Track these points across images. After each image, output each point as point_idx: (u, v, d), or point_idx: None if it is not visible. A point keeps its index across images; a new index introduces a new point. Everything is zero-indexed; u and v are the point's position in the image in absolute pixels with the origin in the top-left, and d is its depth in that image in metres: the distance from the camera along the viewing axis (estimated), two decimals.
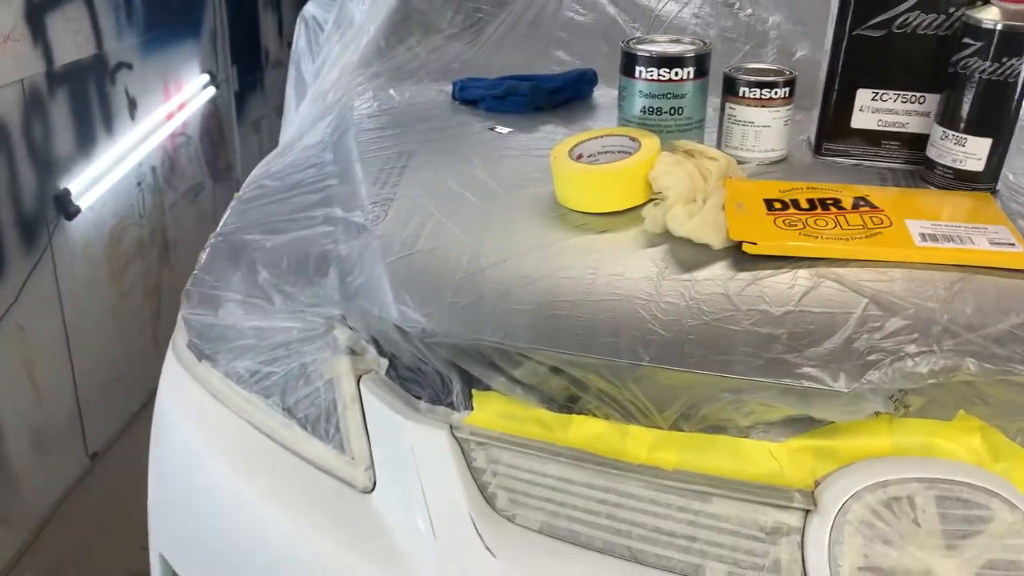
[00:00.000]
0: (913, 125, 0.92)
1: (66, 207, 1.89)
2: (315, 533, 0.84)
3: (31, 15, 1.76)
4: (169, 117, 2.43)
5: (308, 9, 1.90)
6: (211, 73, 2.71)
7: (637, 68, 0.92)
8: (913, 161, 0.94)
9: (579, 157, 0.90)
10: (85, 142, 2.00)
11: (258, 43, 3.14)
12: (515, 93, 1.17)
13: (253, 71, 3.10)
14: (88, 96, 2.02)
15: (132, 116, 2.23)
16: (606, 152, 0.91)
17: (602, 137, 0.91)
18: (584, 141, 0.91)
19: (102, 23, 2.06)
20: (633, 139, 0.89)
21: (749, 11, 1.39)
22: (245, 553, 0.88)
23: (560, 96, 1.19)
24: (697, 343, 0.72)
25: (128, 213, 2.21)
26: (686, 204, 0.81)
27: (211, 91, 2.70)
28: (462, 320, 0.78)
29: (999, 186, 0.90)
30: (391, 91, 1.30)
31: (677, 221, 0.80)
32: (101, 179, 2.03)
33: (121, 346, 2.15)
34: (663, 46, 0.93)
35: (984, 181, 0.88)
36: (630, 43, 0.94)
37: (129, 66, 2.22)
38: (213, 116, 2.77)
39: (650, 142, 0.88)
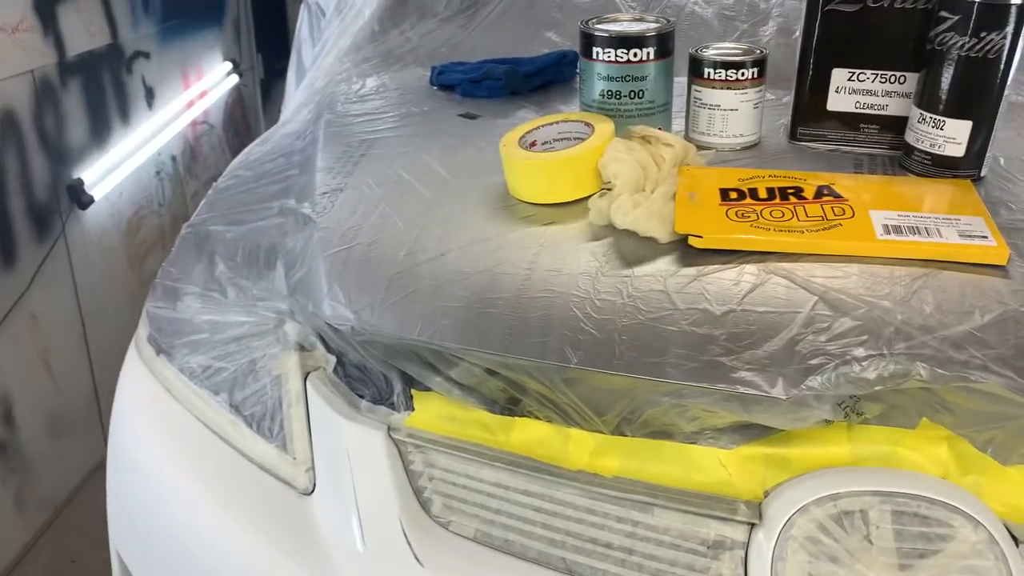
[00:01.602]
0: (893, 107, 0.85)
1: (79, 197, 1.91)
2: (255, 535, 0.82)
3: (41, 6, 1.77)
4: (190, 105, 2.44)
5: None
6: (234, 61, 2.72)
7: (595, 49, 0.87)
8: (893, 146, 0.87)
9: (532, 145, 0.86)
10: (99, 132, 2.02)
11: (285, 30, 3.13)
12: (491, 77, 1.13)
13: (280, 58, 3.09)
14: (102, 86, 2.03)
15: (150, 105, 2.25)
16: (562, 139, 0.86)
17: (558, 123, 0.87)
18: (539, 127, 0.87)
19: (116, 13, 2.07)
20: (588, 124, 0.85)
21: None
22: (189, 552, 0.86)
23: (538, 79, 1.14)
24: (629, 344, 0.68)
25: (147, 202, 2.23)
26: (634, 194, 0.77)
27: (234, 79, 2.71)
28: (392, 317, 0.74)
29: (985, 173, 0.82)
30: (372, 77, 1.27)
31: (621, 212, 0.75)
32: (116, 168, 2.05)
33: None
34: (623, 25, 0.88)
35: (965, 167, 0.81)
36: (589, 23, 0.89)
37: (146, 55, 2.23)
38: (238, 104, 2.78)
39: (603, 128, 0.83)
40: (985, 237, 0.70)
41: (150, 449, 0.92)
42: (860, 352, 0.64)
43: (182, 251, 1.03)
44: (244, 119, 2.83)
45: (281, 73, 3.11)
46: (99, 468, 2.00)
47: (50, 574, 1.74)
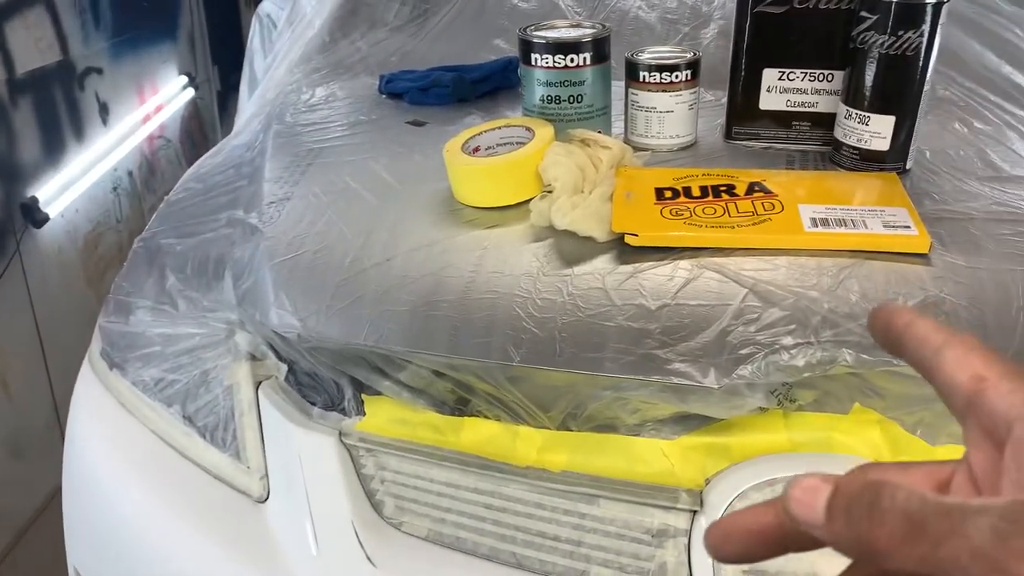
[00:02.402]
0: (823, 104, 0.88)
1: (33, 215, 1.90)
2: (211, 544, 0.82)
3: None
4: (145, 120, 2.43)
5: (264, 6, 1.89)
6: (190, 75, 2.71)
7: (533, 55, 0.89)
8: (824, 142, 0.90)
9: (475, 150, 0.87)
10: (53, 149, 2.00)
11: (240, 42, 3.12)
12: (439, 85, 1.14)
13: (236, 71, 3.08)
14: (54, 103, 2.02)
15: (104, 121, 2.23)
16: (504, 144, 0.88)
17: (500, 128, 0.89)
18: (482, 133, 0.89)
19: (66, 28, 2.05)
20: (529, 129, 0.87)
21: None
22: (147, 565, 0.86)
23: (486, 86, 1.16)
24: (569, 340, 0.70)
25: (104, 219, 2.22)
26: (573, 195, 0.79)
27: (190, 92, 2.70)
28: (339, 323, 0.75)
29: (910, 166, 0.86)
30: (322, 87, 1.28)
31: (560, 213, 0.77)
32: (72, 186, 2.04)
33: None
34: (561, 31, 0.90)
35: (891, 161, 0.84)
36: (527, 29, 0.91)
37: (99, 70, 2.22)
38: (194, 117, 2.77)
39: (543, 132, 0.85)
40: (908, 227, 0.73)
41: (105, 463, 0.92)
42: (788, 341, 0.66)
43: (134, 265, 1.03)
44: (201, 132, 2.81)
45: (237, 85, 3.11)
46: (59, 492, 1.98)
47: None
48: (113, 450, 0.92)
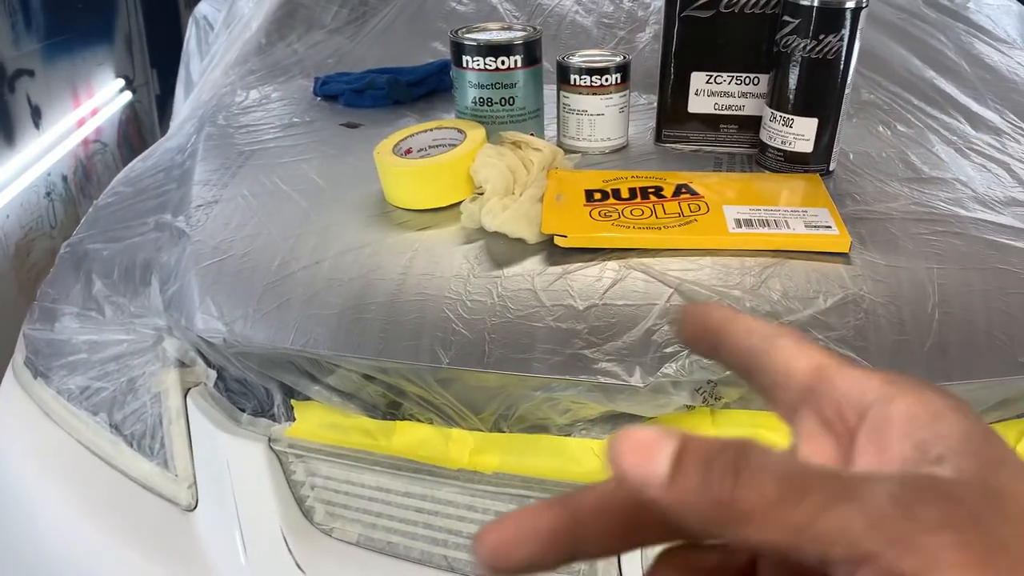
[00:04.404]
0: (749, 107, 0.90)
1: None
2: (138, 554, 0.80)
3: None
4: (80, 124, 2.37)
5: (200, 8, 1.86)
6: (127, 77, 2.65)
7: (464, 58, 0.89)
8: (752, 144, 0.91)
9: (407, 152, 0.87)
10: None
11: (180, 45, 3.07)
12: (374, 87, 1.14)
13: (175, 74, 3.03)
14: None
15: (37, 125, 2.17)
16: (436, 146, 0.88)
17: (432, 130, 0.88)
18: (414, 135, 0.88)
19: None
20: (461, 131, 0.86)
21: None
22: None
23: (421, 88, 1.16)
24: (498, 342, 0.70)
25: (37, 225, 2.16)
26: (503, 197, 0.79)
27: (128, 96, 2.64)
28: (265, 328, 0.74)
29: (834, 167, 0.87)
30: (256, 89, 1.26)
31: (490, 215, 0.77)
32: (1, 191, 1.98)
33: None
34: (491, 34, 0.90)
35: (815, 162, 0.85)
36: (458, 32, 0.91)
37: (31, 73, 2.16)
38: (132, 121, 2.71)
39: (474, 134, 0.85)
40: (829, 227, 0.75)
41: (27, 475, 0.89)
42: None
43: (60, 271, 1.00)
44: (140, 136, 2.76)
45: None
46: None
47: None
48: (36, 462, 0.90)
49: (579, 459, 0.74)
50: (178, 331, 0.83)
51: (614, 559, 0.71)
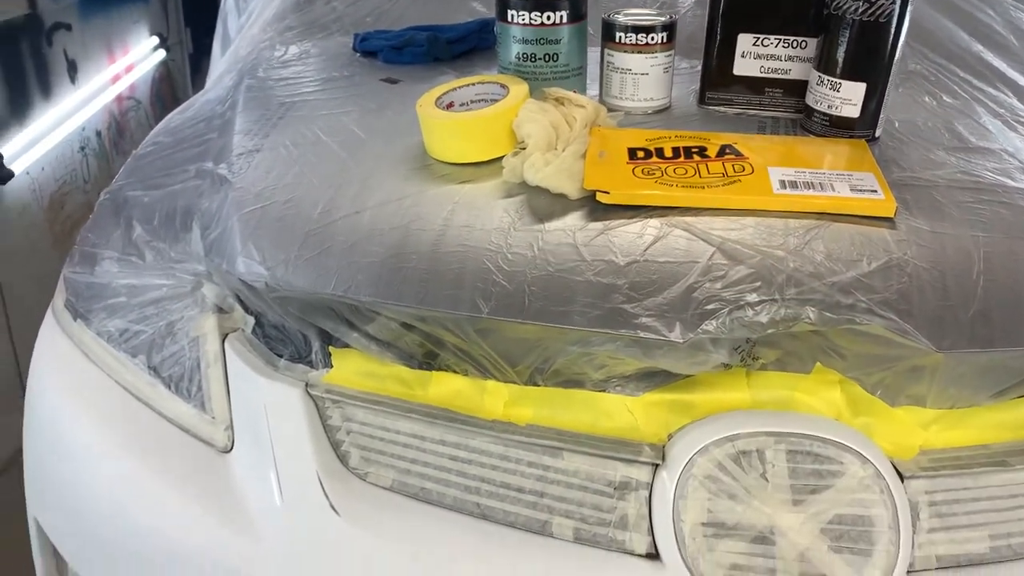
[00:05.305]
0: (796, 71, 0.89)
1: None
2: (174, 493, 0.82)
3: None
4: (115, 80, 2.39)
5: None
6: (161, 35, 2.66)
7: (510, 12, 0.88)
8: (796, 109, 0.90)
9: (449, 105, 0.87)
10: (18, 105, 1.96)
11: (215, 4, 3.07)
12: (413, 44, 1.14)
13: (209, 33, 3.03)
14: (21, 57, 1.97)
15: (72, 79, 2.19)
16: (479, 100, 0.88)
17: (475, 85, 0.88)
18: (456, 89, 0.88)
19: None
20: (503, 86, 0.86)
21: None
22: (108, 515, 0.86)
23: (461, 46, 1.16)
24: (538, 294, 0.70)
25: (71, 178, 2.18)
26: (546, 152, 0.79)
27: (162, 54, 2.65)
28: (306, 273, 0.75)
29: (879, 134, 0.87)
30: (295, 45, 1.26)
31: (533, 169, 0.77)
32: (37, 143, 2.00)
33: None
34: None
35: (861, 128, 0.85)
36: None
37: (68, 27, 2.17)
38: (166, 79, 2.73)
39: (517, 89, 0.85)
40: (875, 191, 0.74)
41: (67, 414, 0.91)
42: (753, 297, 0.67)
43: (100, 217, 1.02)
44: (173, 94, 2.77)
45: (210, 48, 3.06)
46: (20, 454, 1.95)
47: None
48: (75, 400, 0.91)
49: (612, 415, 0.74)
50: (219, 276, 0.84)
51: (646, 513, 0.71)
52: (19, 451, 1.86)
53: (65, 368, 0.94)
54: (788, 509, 0.69)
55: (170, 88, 2.76)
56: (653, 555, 0.71)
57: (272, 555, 0.75)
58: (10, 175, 1.89)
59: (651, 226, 0.73)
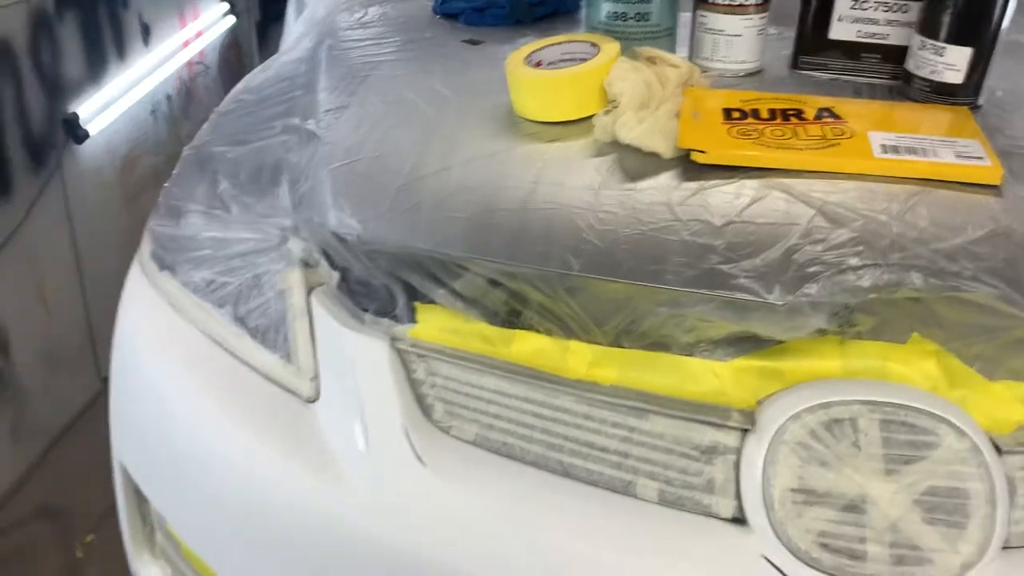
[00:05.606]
0: (895, 36, 0.86)
1: (75, 131, 1.90)
2: (259, 440, 0.84)
3: None
4: (185, 45, 2.42)
5: None
6: (231, 2, 2.69)
7: None
8: (893, 75, 0.88)
9: (538, 64, 0.86)
10: (95, 67, 2.00)
11: None
12: (495, 5, 1.13)
13: (276, 2, 3.06)
14: (98, 19, 2.01)
15: (146, 42, 2.23)
16: (567, 59, 0.87)
17: (563, 43, 0.88)
18: (544, 47, 0.88)
19: None
20: (594, 45, 0.85)
21: None
22: (194, 459, 0.88)
23: (543, 9, 1.15)
24: (631, 253, 0.69)
25: (142, 140, 2.22)
26: (638, 111, 0.78)
27: (230, 20, 2.68)
28: (397, 227, 0.76)
29: (982, 102, 0.84)
30: (374, 6, 1.26)
31: (625, 128, 0.76)
32: (112, 105, 2.04)
33: None
34: None
35: (963, 95, 0.82)
36: None
37: None
38: (233, 46, 2.76)
39: (609, 48, 0.84)
40: (981, 158, 0.72)
41: (154, 360, 0.93)
42: (856, 261, 0.66)
43: (184, 172, 1.03)
44: (239, 61, 2.80)
45: (277, 18, 3.08)
46: (92, 405, 2.01)
47: (41, 505, 1.76)
48: (163, 348, 0.93)
49: (699, 379, 0.74)
50: (307, 230, 0.85)
51: (733, 478, 0.71)
52: (91, 403, 1.92)
53: (151, 317, 0.97)
54: (881, 479, 0.67)
55: (237, 55, 2.79)
56: (739, 519, 0.70)
57: (358, 502, 0.76)
58: (86, 135, 1.93)
59: (748, 187, 0.72)
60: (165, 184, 1.06)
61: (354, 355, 0.81)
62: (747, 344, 0.72)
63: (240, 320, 0.90)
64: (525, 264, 0.71)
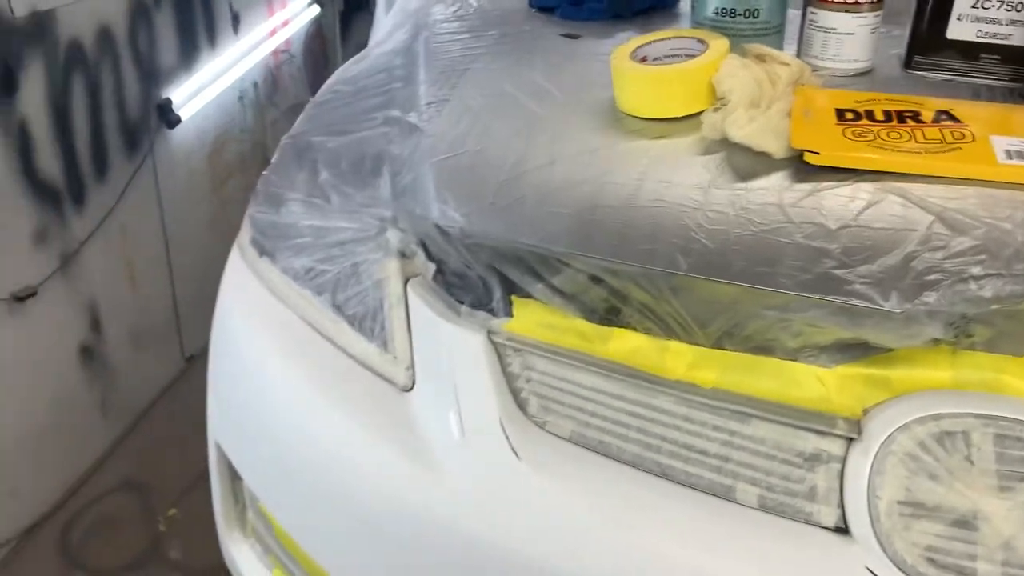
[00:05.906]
0: (1017, 37, 0.83)
1: (168, 116, 1.96)
2: (354, 427, 0.85)
3: None
4: (272, 33, 2.47)
5: None
6: None
7: None
8: (1014, 78, 0.85)
9: (643, 60, 0.86)
10: (188, 53, 2.05)
11: None
12: None
13: None
14: (192, 7, 2.06)
15: (235, 30, 2.28)
16: (673, 55, 0.86)
17: (670, 39, 0.86)
18: (651, 43, 0.87)
19: None
20: (701, 41, 0.84)
21: None
22: (289, 442, 0.90)
23: (642, 3, 1.14)
24: (742, 254, 0.68)
25: (230, 126, 2.27)
26: (748, 109, 0.76)
27: (315, 10, 2.73)
28: (500, 221, 0.76)
29: None
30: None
31: (736, 126, 0.75)
32: (203, 91, 2.09)
33: (219, 256, 2.23)
34: None
35: None
36: None
37: None
38: (317, 36, 2.80)
39: (717, 44, 0.82)
40: None
41: (253, 344, 0.96)
42: (978, 270, 0.63)
43: (283, 160, 1.05)
44: (323, 51, 2.85)
45: (360, 7, 3.13)
46: (176, 383, 2.07)
47: (126, 478, 1.82)
48: (262, 333, 0.96)
49: (803, 385, 0.72)
50: (407, 221, 0.86)
51: (836, 487, 0.69)
52: (175, 381, 1.97)
53: (251, 301, 0.99)
54: (994, 495, 0.65)
55: (321, 44, 2.84)
56: (842, 529, 0.69)
57: (452, 491, 0.77)
58: (178, 120, 1.98)
59: (863, 190, 0.70)
60: (264, 172, 1.08)
61: (450, 346, 0.81)
62: (854, 351, 0.71)
63: (338, 308, 0.91)
64: (631, 262, 0.70)
